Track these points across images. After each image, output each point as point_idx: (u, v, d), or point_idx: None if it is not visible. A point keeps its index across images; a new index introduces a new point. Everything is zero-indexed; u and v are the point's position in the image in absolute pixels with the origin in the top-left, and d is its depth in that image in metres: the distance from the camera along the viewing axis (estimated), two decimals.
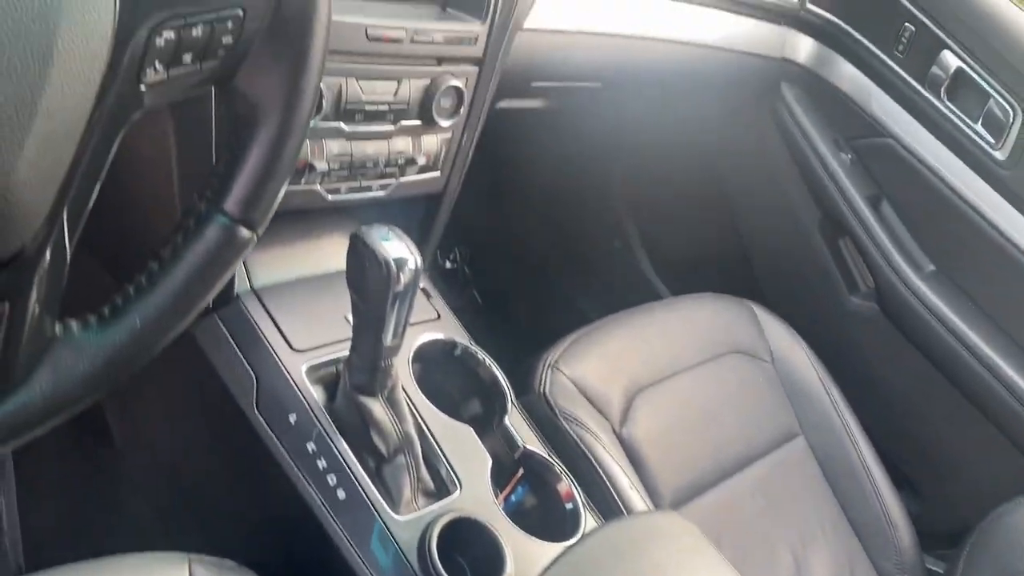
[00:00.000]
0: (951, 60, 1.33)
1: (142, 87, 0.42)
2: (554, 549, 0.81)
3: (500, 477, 0.88)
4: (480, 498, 0.83)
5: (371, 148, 0.86)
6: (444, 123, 0.91)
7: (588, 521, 0.89)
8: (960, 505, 1.42)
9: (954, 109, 1.34)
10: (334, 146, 0.83)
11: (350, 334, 0.80)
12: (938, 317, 1.34)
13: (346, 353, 0.82)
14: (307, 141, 0.79)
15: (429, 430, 0.86)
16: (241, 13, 0.44)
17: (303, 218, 0.92)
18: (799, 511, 1.17)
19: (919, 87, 1.37)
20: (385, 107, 0.85)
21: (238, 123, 0.50)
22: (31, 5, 0.35)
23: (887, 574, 1.18)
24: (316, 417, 0.82)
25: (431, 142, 0.92)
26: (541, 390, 1.02)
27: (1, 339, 0.41)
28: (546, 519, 0.89)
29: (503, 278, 1.85)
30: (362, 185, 0.88)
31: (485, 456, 0.87)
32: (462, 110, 0.92)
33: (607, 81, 1.23)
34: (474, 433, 0.89)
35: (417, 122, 0.90)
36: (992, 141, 1.31)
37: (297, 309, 0.90)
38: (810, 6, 1.42)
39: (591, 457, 0.97)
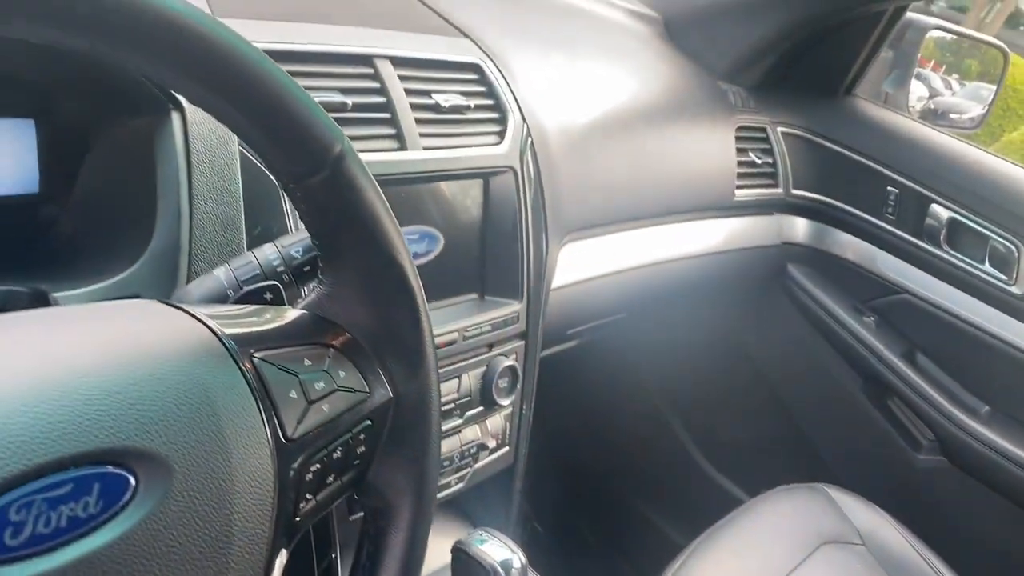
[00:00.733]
0: (942, 212, 1.40)
1: (297, 519, 0.44)
2: None
3: None
4: None
5: (445, 447, 0.88)
6: (504, 401, 0.94)
7: None
8: None
9: (958, 255, 1.40)
10: None
11: None
12: (1009, 458, 1.33)
13: None
14: None
15: None
16: (371, 423, 0.47)
17: None
18: None
19: (918, 241, 1.43)
20: (451, 405, 0.88)
21: (374, 515, 0.51)
22: (208, 497, 0.38)
23: None
24: None
25: (496, 422, 0.95)
26: None
27: None
28: None
29: (567, 510, 1.83)
30: (441, 484, 0.90)
31: None
32: (518, 384, 0.95)
33: (631, 310, 1.27)
34: None
35: (480, 408, 0.92)
36: (1004, 278, 1.35)
37: None
38: (795, 191, 1.50)
39: None
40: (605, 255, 1.16)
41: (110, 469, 0.36)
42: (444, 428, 0.88)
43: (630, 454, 1.84)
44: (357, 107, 0.79)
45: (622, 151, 1.19)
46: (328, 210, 0.45)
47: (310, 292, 0.48)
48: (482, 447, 0.93)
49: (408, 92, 0.85)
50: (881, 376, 1.45)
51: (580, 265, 1.11)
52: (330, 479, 0.46)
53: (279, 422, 0.42)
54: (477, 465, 0.94)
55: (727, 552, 1.18)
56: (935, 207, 1.41)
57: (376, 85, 0.83)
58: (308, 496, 0.44)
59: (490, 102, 0.94)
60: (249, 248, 0.68)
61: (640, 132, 1.24)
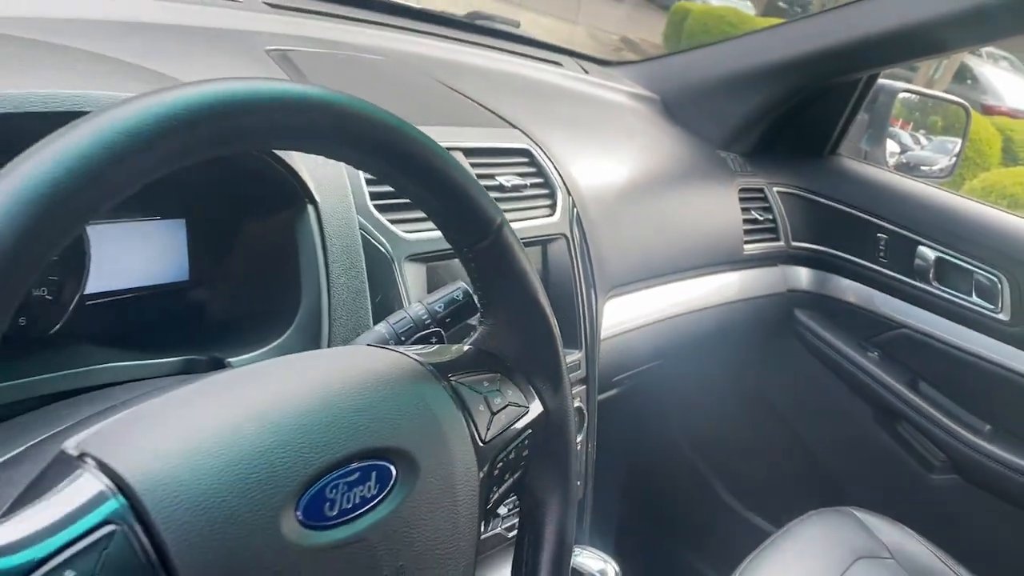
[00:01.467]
0: (928, 252, 1.56)
1: (488, 507, 0.56)
2: None
3: None
4: None
5: None
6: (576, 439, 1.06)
7: None
8: None
9: (947, 290, 1.55)
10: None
11: None
12: (1016, 469, 1.46)
13: None
14: None
15: None
16: (531, 431, 0.60)
17: None
18: None
19: (910, 280, 1.59)
20: None
21: (530, 511, 0.64)
22: (441, 482, 0.51)
23: None
24: None
25: None
26: None
27: None
28: None
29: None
30: None
31: None
32: (584, 424, 1.08)
33: (665, 357, 1.41)
34: None
35: None
36: (992, 307, 1.50)
37: None
38: (795, 243, 1.66)
39: None
40: (642, 308, 1.30)
41: (379, 463, 0.48)
42: None
43: (662, 495, 1.95)
44: None
45: (647, 216, 1.35)
46: (490, 268, 0.59)
47: (474, 332, 0.62)
48: None
49: (479, 176, 0.99)
50: (890, 404, 1.59)
51: (622, 318, 1.25)
52: (506, 476, 0.58)
53: (475, 428, 0.55)
54: None
55: (774, 569, 1.29)
56: (922, 248, 1.57)
57: None
58: (495, 489, 0.57)
59: (541, 180, 1.10)
60: (374, 313, 0.82)
61: (660, 198, 1.39)
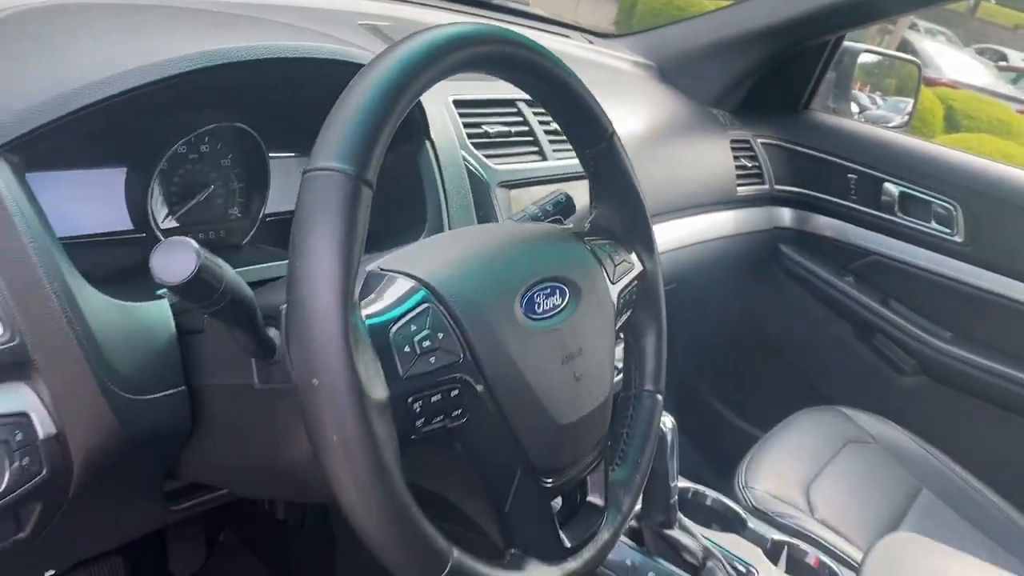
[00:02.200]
0: (893, 188, 1.82)
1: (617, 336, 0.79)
2: None
3: None
4: None
5: None
6: None
7: None
8: None
9: (910, 219, 1.82)
10: None
11: None
12: (975, 367, 1.73)
13: None
14: None
15: None
16: (637, 283, 0.83)
17: None
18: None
19: (878, 212, 1.85)
20: None
21: (631, 348, 0.86)
22: (598, 302, 0.73)
23: None
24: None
25: None
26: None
27: None
28: None
29: None
30: None
31: None
32: None
33: (680, 281, 1.65)
34: None
35: None
36: (948, 231, 1.77)
37: None
38: (778, 187, 1.91)
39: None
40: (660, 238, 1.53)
41: (560, 285, 0.71)
42: None
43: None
44: (516, 133, 1.17)
45: (652, 163, 1.58)
46: (604, 165, 0.81)
47: (592, 213, 0.84)
48: None
49: (540, 123, 1.22)
50: (865, 320, 1.85)
51: None
52: (623, 312, 0.81)
53: (607, 273, 0.78)
54: None
55: (778, 454, 1.53)
56: (887, 185, 1.83)
57: (521, 119, 1.20)
58: (617, 318, 0.80)
59: None
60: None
61: (663, 148, 1.63)
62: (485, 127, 1.14)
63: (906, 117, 2.21)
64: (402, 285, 0.62)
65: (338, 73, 0.83)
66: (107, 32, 0.83)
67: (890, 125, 2.21)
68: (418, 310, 0.61)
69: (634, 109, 1.66)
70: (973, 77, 11.44)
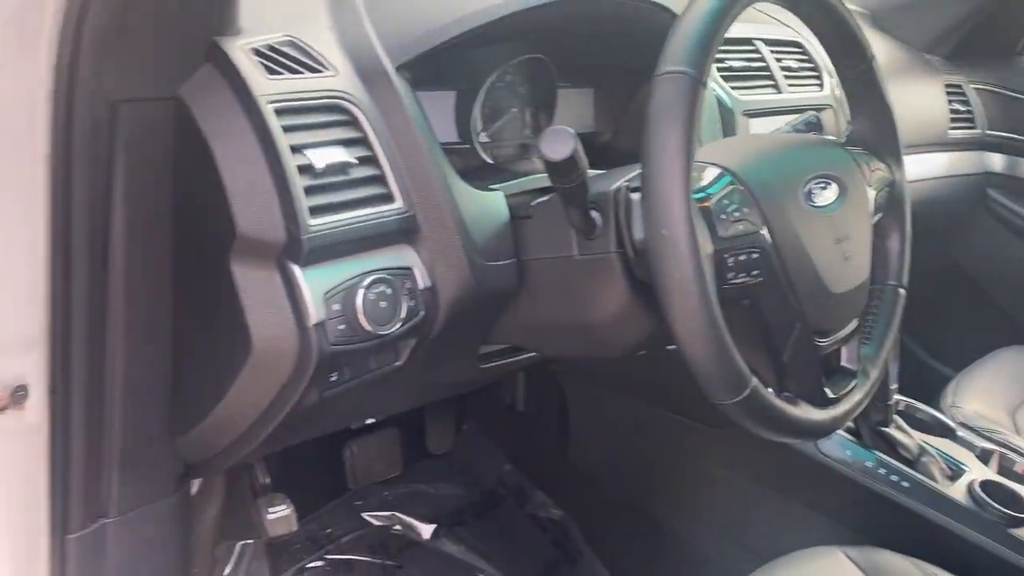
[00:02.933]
0: None
1: None
2: None
3: None
4: None
5: None
6: None
7: None
8: None
9: None
10: None
11: None
12: None
13: None
14: None
15: None
16: (889, 191, 0.96)
17: None
18: None
19: None
20: None
21: (878, 249, 0.99)
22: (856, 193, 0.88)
23: None
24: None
25: None
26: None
27: None
28: None
29: None
30: None
31: None
32: None
33: None
34: None
35: None
36: None
37: None
38: (989, 131, 1.95)
39: None
40: None
41: (830, 181, 0.86)
42: None
43: None
44: (753, 69, 1.30)
45: None
46: (863, 85, 0.95)
47: (847, 131, 0.98)
48: None
49: (776, 60, 1.35)
50: None
51: None
52: (875, 212, 0.95)
53: (865, 177, 0.91)
54: None
55: (983, 382, 1.61)
56: None
57: (759, 55, 1.33)
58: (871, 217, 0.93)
59: (810, 65, 1.44)
60: None
61: None
62: (729, 62, 1.28)
63: None
64: (711, 172, 0.79)
65: (636, 11, 1.00)
66: None
67: None
68: (728, 189, 0.78)
69: None
70: None
